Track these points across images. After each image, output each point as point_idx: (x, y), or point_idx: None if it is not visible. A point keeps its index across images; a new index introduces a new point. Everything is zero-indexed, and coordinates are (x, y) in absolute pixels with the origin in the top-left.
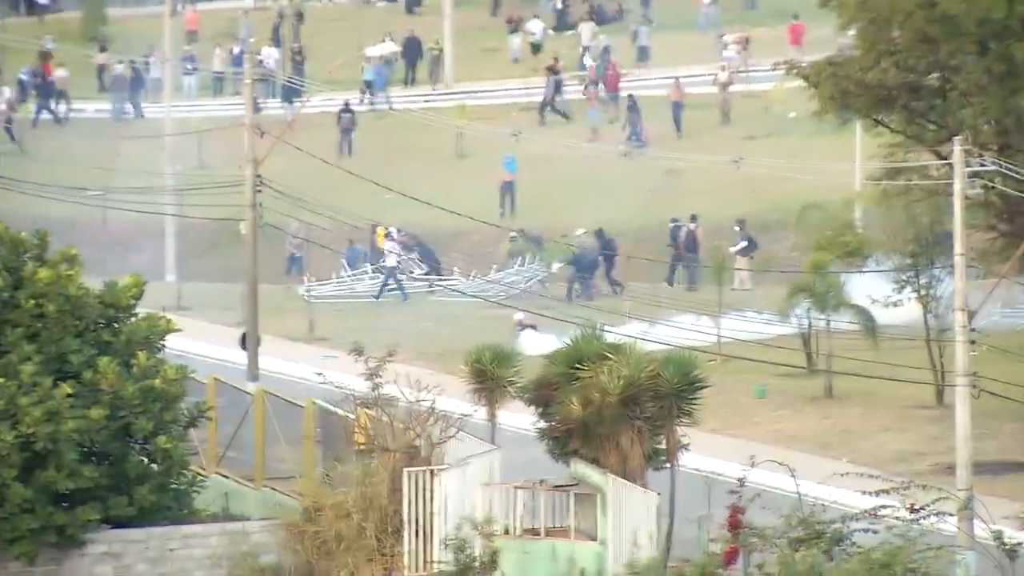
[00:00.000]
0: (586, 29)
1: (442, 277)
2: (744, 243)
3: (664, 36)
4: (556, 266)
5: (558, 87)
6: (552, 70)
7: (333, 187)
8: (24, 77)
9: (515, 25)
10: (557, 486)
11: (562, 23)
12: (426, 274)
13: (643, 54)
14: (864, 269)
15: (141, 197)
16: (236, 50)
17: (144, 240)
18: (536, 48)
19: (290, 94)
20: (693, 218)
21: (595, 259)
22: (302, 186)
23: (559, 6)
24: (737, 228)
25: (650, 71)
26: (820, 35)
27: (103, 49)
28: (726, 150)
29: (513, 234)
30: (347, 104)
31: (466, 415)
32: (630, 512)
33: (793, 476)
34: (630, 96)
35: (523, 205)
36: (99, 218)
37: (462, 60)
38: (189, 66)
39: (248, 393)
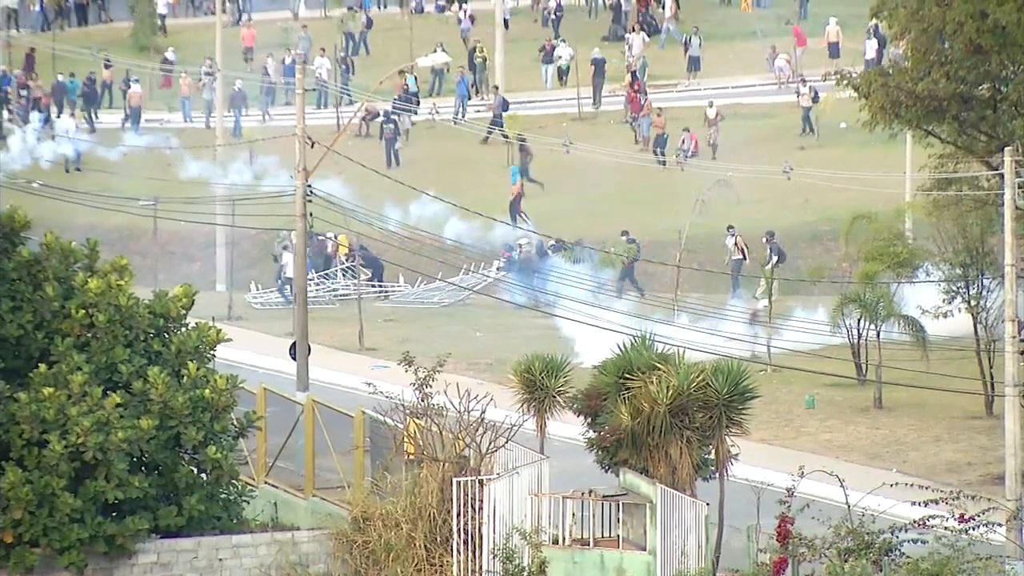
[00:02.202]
0: (636, 40)
1: (386, 283)
2: (775, 257)
3: (716, 46)
4: (497, 272)
5: (505, 105)
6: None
7: (381, 197)
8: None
9: (549, 54)
10: (606, 496)
11: (614, 34)
12: (369, 280)
13: (693, 64)
14: (914, 280)
15: (193, 207)
16: (288, 60)
17: (195, 250)
18: (562, 73)
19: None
20: (730, 228)
21: (537, 268)
22: (350, 196)
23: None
24: (765, 240)
25: (699, 81)
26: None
27: (108, 65)
28: (777, 161)
29: (552, 243)
30: (386, 114)
31: (515, 425)
32: (679, 522)
33: (842, 486)
34: (519, 135)
35: (576, 213)
36: (151, 228)
37: (513, 70)
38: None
39: (298, 403)
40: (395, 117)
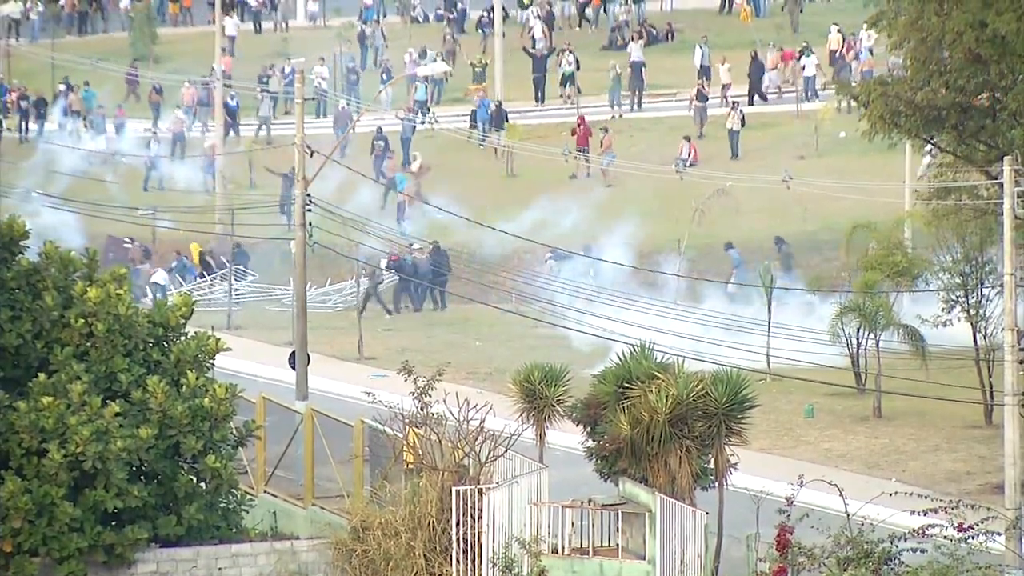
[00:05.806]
0: (635, 49)
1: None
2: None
3: (715, 55)
4: (383, 278)
5: (413, 128)
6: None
7: (376, 207)
8: (233, 103)
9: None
10: (605, 505)
11: (613, 43)
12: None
13: (702, 73)
14: (913, 289)
15: (193, 217)
16: (288, 69)
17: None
18: (566, 79)
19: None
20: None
21: (421, 272)
22: (351, 207)
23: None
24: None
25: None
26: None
27: (69, 87)
28: (777, 170)
29: (549, 255)
30: (379, 130)
31: (515, 434)
32: (678, 531)
33: (842, 495)
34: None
35: (573, 221)
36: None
37: (513, 79)
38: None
39: (297, 412)
40: (386, 134)
